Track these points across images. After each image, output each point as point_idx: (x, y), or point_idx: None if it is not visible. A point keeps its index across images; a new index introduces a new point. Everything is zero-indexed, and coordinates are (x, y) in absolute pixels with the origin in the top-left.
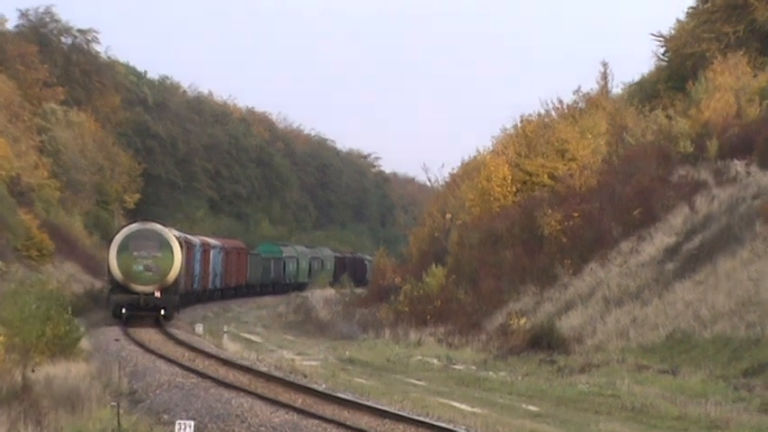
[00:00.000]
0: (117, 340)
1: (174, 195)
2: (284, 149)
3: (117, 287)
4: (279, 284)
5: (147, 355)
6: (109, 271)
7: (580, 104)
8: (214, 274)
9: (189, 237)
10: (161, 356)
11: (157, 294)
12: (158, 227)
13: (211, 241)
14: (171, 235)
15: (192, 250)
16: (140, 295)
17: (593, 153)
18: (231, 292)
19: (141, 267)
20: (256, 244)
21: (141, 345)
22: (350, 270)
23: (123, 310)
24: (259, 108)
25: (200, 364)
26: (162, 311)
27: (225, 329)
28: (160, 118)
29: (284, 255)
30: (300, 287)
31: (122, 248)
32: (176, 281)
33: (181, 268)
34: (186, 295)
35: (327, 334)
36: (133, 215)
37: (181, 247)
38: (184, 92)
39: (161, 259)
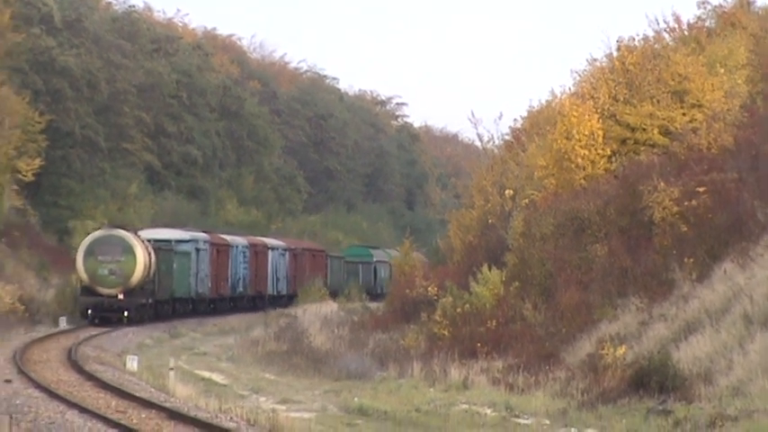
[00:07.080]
0: (8, 381)
1: (94, 162)
2: (261, 92)
3: (84, 290)
4: (371, 294)
5: (54, 404)
6: (77, 274)
7: (708, 23)
8: (275, 279)
9: (223, 236)
10: (74, 405)
11: (121, 297)
12: (123, 232)
13: (270, 241)
14: (134, 240)
15: (228, 252)
16: (105, 298)
17: (728, 96)
18: None
19: (106, 271)
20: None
21: (44, 388)
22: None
23: (89, 312)
24: (222, 31)
25: (135, 417)
26: (125, 313)
27: (171, 365)
28: (72, 45)
29: (375, 259)
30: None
31: (89, 253)
32: (144, 283)
33: (146, 272)
34: (214, 301)
35: (326, 371)
36: (33, 190)
37: (154, 251)
38: (109, 5)
39: (124, 263)
